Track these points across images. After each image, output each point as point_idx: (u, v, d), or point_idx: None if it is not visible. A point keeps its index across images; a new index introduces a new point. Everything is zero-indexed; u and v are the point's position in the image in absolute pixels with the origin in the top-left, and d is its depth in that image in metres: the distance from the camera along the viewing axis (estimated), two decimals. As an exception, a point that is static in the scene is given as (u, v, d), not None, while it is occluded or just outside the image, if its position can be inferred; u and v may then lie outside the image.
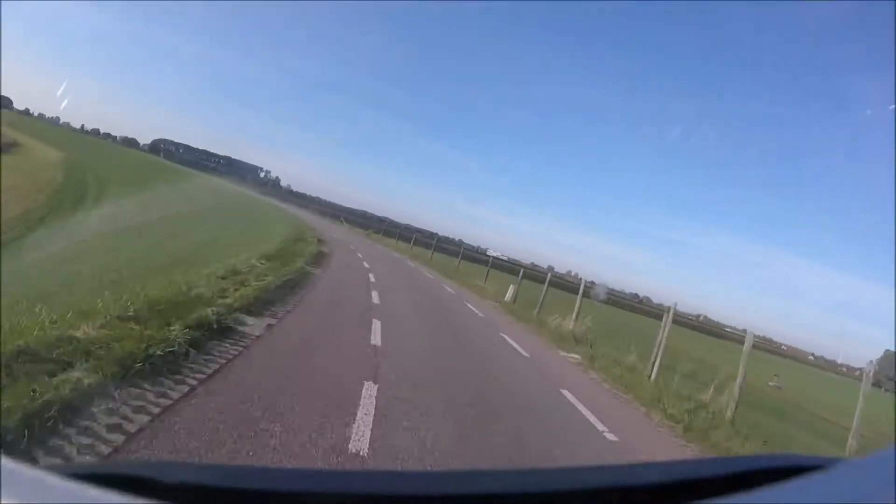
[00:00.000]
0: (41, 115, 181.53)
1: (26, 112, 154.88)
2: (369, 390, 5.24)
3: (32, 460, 2.75)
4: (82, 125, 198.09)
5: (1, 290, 5.74)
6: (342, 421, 4.30)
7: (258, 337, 6.26)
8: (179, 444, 3.34)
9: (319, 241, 23.92)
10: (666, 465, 1.02)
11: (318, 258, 17.06)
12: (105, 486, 0.66)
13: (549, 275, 20.33)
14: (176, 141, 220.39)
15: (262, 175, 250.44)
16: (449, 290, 19.84)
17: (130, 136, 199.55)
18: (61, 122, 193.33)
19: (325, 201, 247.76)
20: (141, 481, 0.71)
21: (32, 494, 0.62)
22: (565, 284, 32.19)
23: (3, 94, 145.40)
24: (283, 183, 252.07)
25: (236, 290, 8.09)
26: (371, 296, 11.97)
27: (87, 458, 2.98)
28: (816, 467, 0.75)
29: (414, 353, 7.72)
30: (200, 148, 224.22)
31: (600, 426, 6.36)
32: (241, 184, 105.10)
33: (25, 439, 2.88)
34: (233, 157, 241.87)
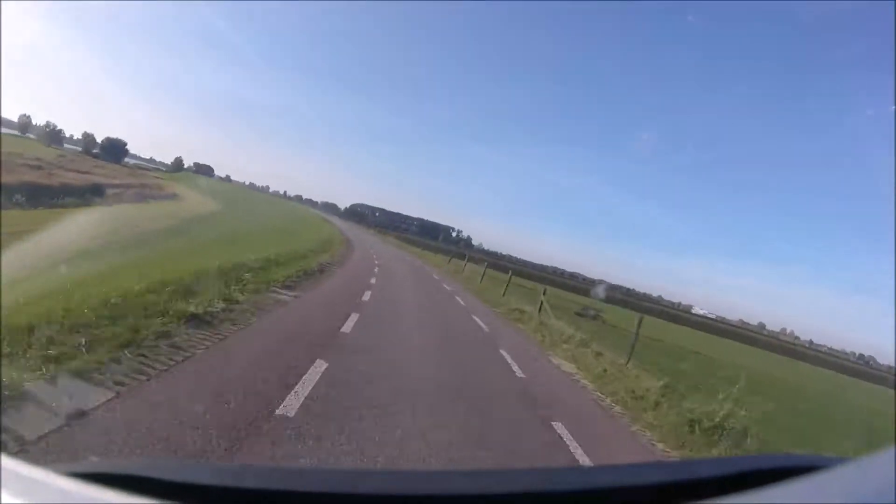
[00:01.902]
0: (252, 184, 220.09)
1: (227, 178, 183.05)
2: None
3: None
4: (285, 191, 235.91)
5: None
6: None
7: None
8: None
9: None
10: (666, 465, 0.98)
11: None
12: (105, 485, 0.65)
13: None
14: (372, 205, 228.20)
15: (454, 234, 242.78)
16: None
17: (331, 201, 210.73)
18: (270, 189, 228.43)
19: (516, 259, 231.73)
20: (141, 481, 0.70)
21: (32, 494, 0.61)
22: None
23: (205, 163, 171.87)
24: (475, 242, 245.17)
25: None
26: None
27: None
28: (817, 467, 0.74)
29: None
30: (395, 211, 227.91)
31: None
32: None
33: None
34: (425, 218, 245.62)
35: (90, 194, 40.21)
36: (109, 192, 43.13)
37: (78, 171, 49.38)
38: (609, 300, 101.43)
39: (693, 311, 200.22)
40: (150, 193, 50.24)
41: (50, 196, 34.60)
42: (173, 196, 57.15)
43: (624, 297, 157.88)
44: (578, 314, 28.21)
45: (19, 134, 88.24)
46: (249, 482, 0.73)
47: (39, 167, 42.92)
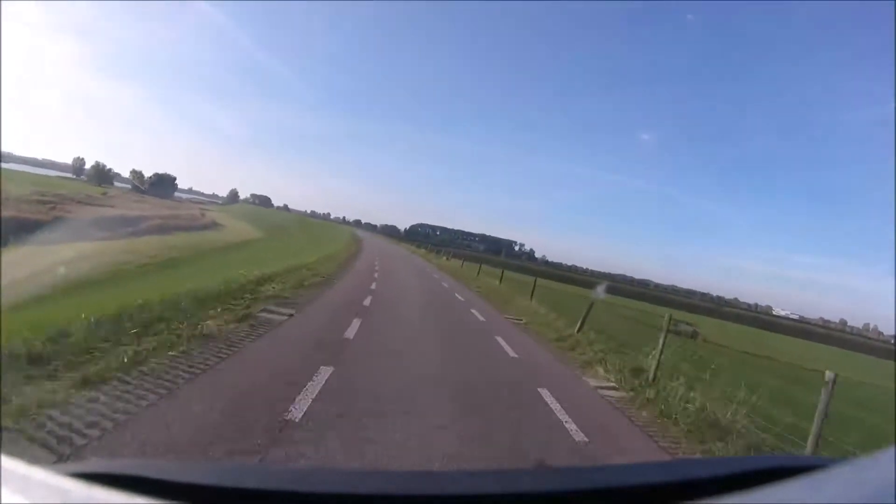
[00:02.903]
0: (313, 212, 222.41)
1: (284, 207, 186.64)
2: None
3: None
4: (343, 217, 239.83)
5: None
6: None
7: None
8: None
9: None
10: (666, 465, 1.00)
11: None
12: (105, 485, 0.64)
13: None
14: (433, 224, 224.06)
15: (516, 248, 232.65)
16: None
17: (391, 223, 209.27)
18: (332, 216, 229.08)
19: (581, 269, 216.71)
20: (141, 481, 0.68)
21: (32, 494, 0.60)
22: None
23: (262, 194, 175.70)
24: (538, 254, 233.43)
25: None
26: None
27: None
28: (817, 467, 0.72)
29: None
30: (456, 228, 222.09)
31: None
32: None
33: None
34: (487, 233, 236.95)
35: (90, 228, 32.73)
36: (120, 225, 35.70)
37: (100, 206, 43.18)
38: (692, 308, 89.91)
39: (774, 313, 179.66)
40: (178, 224, 43.65)
41: (28, 231, 27.65)
42: (212, 226, 52.28)
43: (701, 303, 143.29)
44: (674, 332, 23.94)
45: (73, 176, 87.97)
46: (249, 482, 0.72)
47: (46, 203, 36.43)
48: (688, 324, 42.14)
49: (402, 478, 0.88)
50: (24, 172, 71.65)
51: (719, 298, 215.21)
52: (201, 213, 58.81)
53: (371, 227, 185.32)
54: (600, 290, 14.90)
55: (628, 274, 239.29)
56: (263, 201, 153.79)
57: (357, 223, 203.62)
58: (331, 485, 0.72)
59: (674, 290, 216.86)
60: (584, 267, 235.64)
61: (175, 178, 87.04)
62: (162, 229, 38.47)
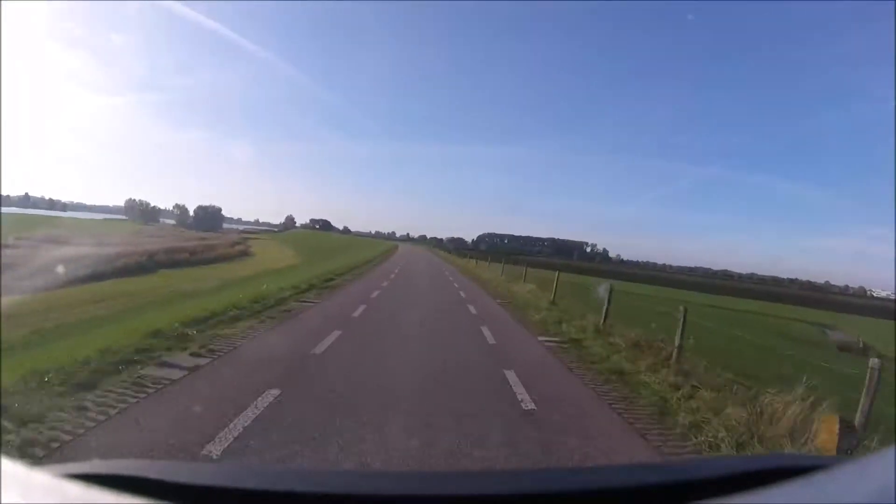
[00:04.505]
0: (378, 233, 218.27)
1: (345, 230, 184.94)
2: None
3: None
4: (408, 233, 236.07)
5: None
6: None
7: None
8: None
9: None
10: (667, 465, 0.99)
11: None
12: (105, 486, 0.62)
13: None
14: (500, 233, 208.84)
15: (587, 250, 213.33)
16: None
17: (458, 236, 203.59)
18: (397, 234, 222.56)
19: (657, 265, 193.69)
20: (141, 481, 0.66)
21: (32, 494, 0.58)
22: None
23: (324, 218, 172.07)
24: (612, 254, 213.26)
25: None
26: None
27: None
28: (818, 467, 0.69)
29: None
30: (524, 235, 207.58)
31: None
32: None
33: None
34: (556, 237, 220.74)
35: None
36: (78, 268, 24.22)
37: (86, 245, 33.63)
38: (796, 300, 70.56)
39: (875, 295, 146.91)
40: (176, 259, 33.91)
41: None
42: (238, 256, 45.19)
43: (801, 292, 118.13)
44: (843, 349, 18.91)
45: (125, 217, 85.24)
46: (249, 483, 0.69)
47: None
48: (828, 327, 31.36)
49: (401, 478, 0.87)
50: (62, 217, 65.55)
51: (809, 284, 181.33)
52: (233, 244, 50.38)
53: (437, 242, 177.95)
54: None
55: (705, 266, 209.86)
56: (324, 225, 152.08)
57: (422, 238, 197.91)
58: (330, 485, 0.69)
59: (759, 279, 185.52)
60: (662, 263, 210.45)
61: (220, 209, 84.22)
62: (140, 268, 27.81)
